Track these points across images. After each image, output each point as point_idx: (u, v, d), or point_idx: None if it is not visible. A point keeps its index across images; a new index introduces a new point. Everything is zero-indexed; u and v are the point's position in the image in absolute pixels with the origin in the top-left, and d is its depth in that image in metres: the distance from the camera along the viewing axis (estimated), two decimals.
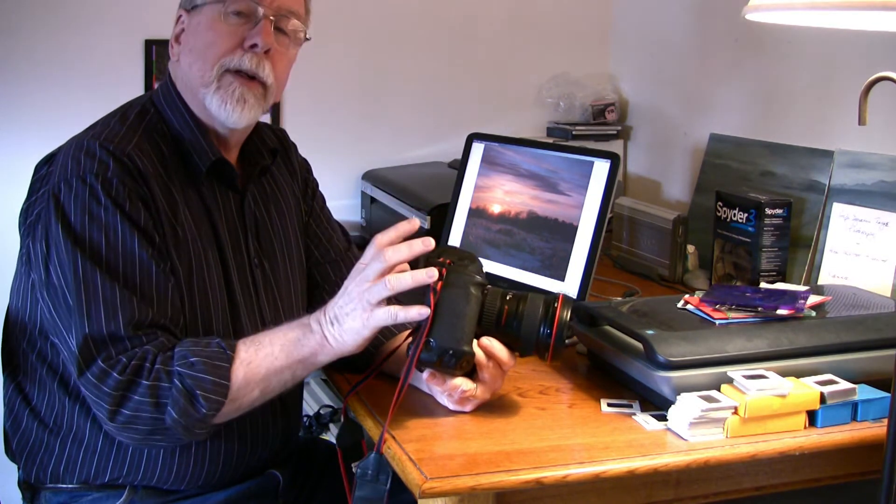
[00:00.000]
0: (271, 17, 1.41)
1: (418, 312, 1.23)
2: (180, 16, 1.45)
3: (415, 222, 1.28)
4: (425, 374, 1.29)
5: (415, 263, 1.29)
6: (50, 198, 1.31)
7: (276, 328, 1.30)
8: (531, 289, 1.75)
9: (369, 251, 1.27)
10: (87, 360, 1.24)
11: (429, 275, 1.24)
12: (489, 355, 1.29)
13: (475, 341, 1.27)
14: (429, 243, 1.26)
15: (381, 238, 1.27)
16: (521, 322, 1.28)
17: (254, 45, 1.39)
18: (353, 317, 1.25)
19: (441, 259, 1.28)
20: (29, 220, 1.36)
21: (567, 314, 1.28)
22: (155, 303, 1.29)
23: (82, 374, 1.24)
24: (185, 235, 1.37)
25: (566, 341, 1.29)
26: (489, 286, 1.30)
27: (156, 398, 1.23)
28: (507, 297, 1.30)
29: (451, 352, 1.24)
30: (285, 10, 1.43)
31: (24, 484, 1.46)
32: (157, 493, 1.39)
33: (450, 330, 1.25)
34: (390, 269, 1.24)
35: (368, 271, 1.25)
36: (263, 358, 1.27)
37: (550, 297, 1.30)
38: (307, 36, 1.48)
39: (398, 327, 1.51)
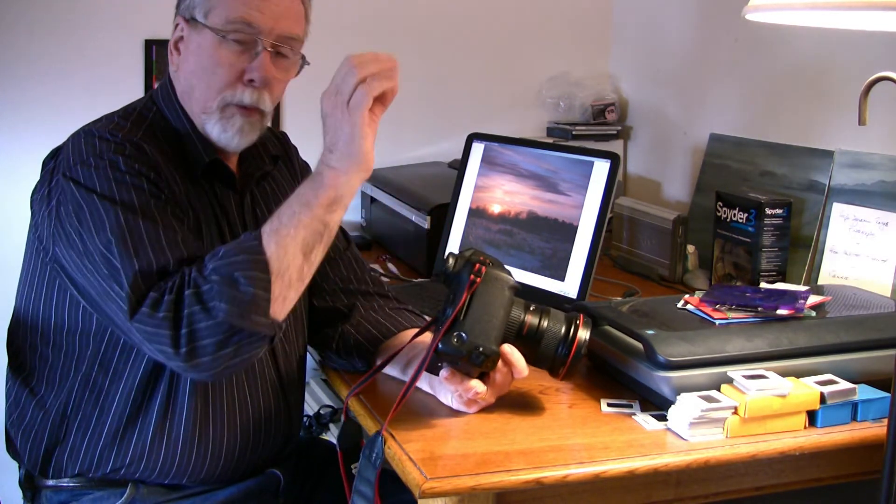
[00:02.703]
0: (269, 49, 1.40)
1: (383, 84, 1.19)
2: (178, 23, 1.44)
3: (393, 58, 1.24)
4: (443, 373, 1.29)
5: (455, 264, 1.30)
6: (69, 182, 1.30)
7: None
8: (533, 291, 1.75)
9: (341, 69, 1.23)
10: (139, 297, 1.21)
11: (389, 58, 1.21)
12: (507, 362, 1.29)
13: None
14: (393, 59, 1.23)
15: (353, 56, 1.23)
16: (541, 337, 1.29)
17: (252, 80, 1.39)
18: (340, 126, 1.21)
19: (480, 258, 1.29)
20: (47, 208, 1.34)
21: (586, 336, 1.29)
22: (195, 246, 1.29)
23: (136, 311, 1.21)
24: (198, 223, 1.38)
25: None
26: (517, 293, 1.31)
27: (201, 302, 1.19)
28: (531, 309, 1.31)
29: (480, 349, 1.24)
30: (285, 37, 1.42)
31: (24, 483, 1.46)
32: (158, 491, 1.40)
33: (483, 327, 1.25)
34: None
35: (336, 79, 1.21)
36: (288, 220, 1.23)
37: (572, 316, 1.31)
38: (306, 61, 1.47)
39: (398, 326, 1.52)
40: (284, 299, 1.23)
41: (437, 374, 1.30)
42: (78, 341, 1.37)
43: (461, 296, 1.25)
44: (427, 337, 1.33)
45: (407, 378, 1.30)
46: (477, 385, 1.29)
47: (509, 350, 1.29)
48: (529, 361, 1.30)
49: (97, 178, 1.29)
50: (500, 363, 1.29)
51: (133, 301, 1.21)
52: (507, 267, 1.33)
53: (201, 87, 1.41)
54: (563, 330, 1.29)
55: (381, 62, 1.22)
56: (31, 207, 1.40)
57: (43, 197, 1.37)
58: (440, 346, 1.24)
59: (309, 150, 1.74)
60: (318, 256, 1.26)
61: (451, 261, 1.30)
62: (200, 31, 1.40)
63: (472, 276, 1.27)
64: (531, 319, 1.30)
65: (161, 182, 1.32)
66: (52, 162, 1.38)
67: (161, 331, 1.19)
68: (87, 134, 1.34)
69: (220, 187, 1.46)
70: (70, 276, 1.34)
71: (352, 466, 1.26)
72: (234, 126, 1.41)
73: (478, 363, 1.25)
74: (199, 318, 1.18)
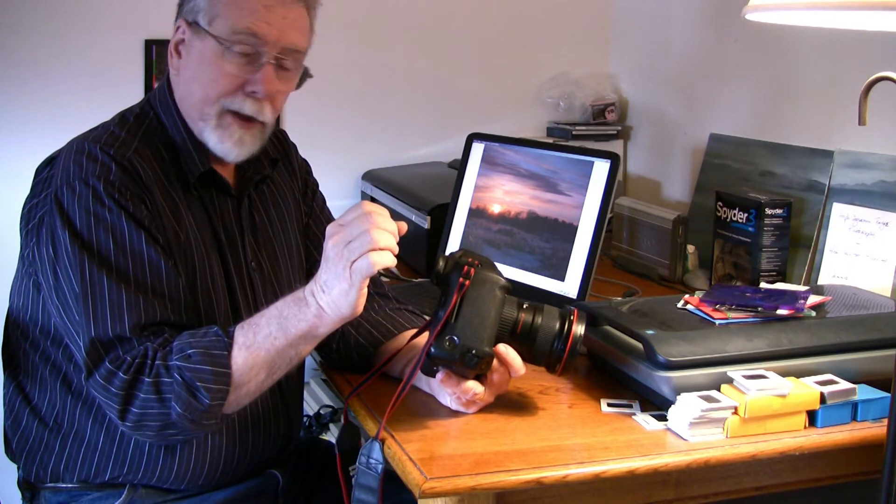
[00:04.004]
0: (272, 61, 1.38)
1: (390, 259, 1.20)
2: (180, 25, 1.41)
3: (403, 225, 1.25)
4: (439, 376, 1.29)
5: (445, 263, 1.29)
6: (53, 202, 1.31)
7: (272, 305, 1.27)
8: (533, 291, 1.75)
9: (352, 212, 1.22)
10: (94, 363, 1.25)
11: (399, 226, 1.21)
12: (502, 361, 1.29)
13: None
14: (403, 227, 1.23)
15: (368, 204, 1.23)
16: (536, 334, 1.29)
17: (255, 91, 1.38)
18: (339, 278, 1.20)
19: (469, 259, 1.28)
20: (32, 223, 1.36)
21: (581, 330, 1.29)
22: (167, 299, 1.30)
23: (91, 375, 1.25)
24: (187, 239, 1.37)
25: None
26: (508, 292, 1.30)
27: (160, 393, 1.23)
28: (524, 307, 1.30)
29: (473, 351, 1.24)
30: (289, 49, 1.40)
31: (23, 483, 1.46)
32: (156, 493, 1.40)
33: (475, 329, 1.25)
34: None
35: (352, 230, 1.20)
36: (263, 340, 1.25)
37: (565, 311, 1.31)
38: (309, 73, 1.46)
39: (398, 327, 1.52)
40: (237, 405, 1.28)
41: (434, 377, 1.30)
42: (63, 352, 1.37)
43: (451, 299, 1.25)
44: (425, 337, 1.33)
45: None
46: (474, 386, 1.29)
47: (504, 349, 1.29)
48: (526, 359, 1.30)
49: (78, 208, 1.29)
50: (496, 362, 1.29)
51: (89, 366, 1.25)
52: (501, 266, 1.33)
53: (199, 94, 1.39)
54: (558, 326, 1.29)
55: (393, 235, 1.21)
56: (21, 215, 1.40)
57: (32, 208, 1.37)
58: (432, 350, 1.24)
59: (309, 148, 1.74)
60: (280, 375, 1.29)
61: (441, 263, 1.30)
62: (203, 38, 1.38)
63: (461, 279, 1.27)
64: (525, 317, 1.29)
65: (143, 211, 1.31)
66: (46, 172, 1.38)
67: (111, 402, 1.25)
68: (78, 149, 1.33)
69: (217, 193, 1.46)
70: (44, 296, 1.36)
71: (349, 469, 1.26)
72: (231, 137, 1.39)
73: (471, 366, 1.25)
74: (152, 406, 1.24)
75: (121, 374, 1.23)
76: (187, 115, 1.42)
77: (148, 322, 1.27)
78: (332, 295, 1.22)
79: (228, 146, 1.40)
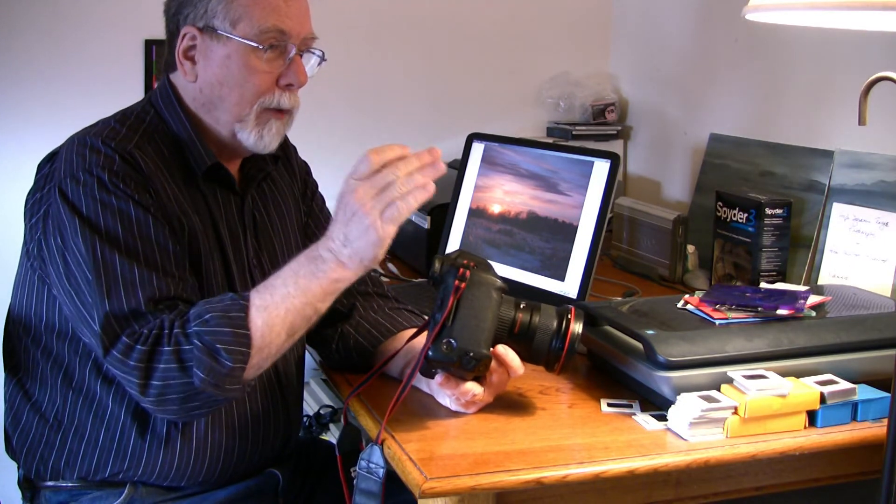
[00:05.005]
0: (300, 52, 1.42)
1: (424, 193, 1.20)
2: (187, 32, 1.41)
3: (435, 152, 1.24)
4: (437, 378, 1.29)
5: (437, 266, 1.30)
6: (57, 193, 1.31)
7: (285, 266, 1.27)
8: (533, 291, 1.75)
9: (364, 164, 1.21)
10: (111, 338, 1.24)
11: (432, 154, 1.22)
12: (501, 362, 1.29)
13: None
14: (436, 153, 1.24)
15: (376, 153, 1.22)
16: (534, 333, 1.29)
17: (290, 85, 1.41)
18: (367, 229, 1.20)
19: (465, 262, 1.28)
20: (36, 216, 1.36)
21: (579, 328, 1.29)
22: (177, 277, 1.30)
23: (108, 352, 1.24)
24: (193, 231, 1.38)
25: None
26: (505, 293, 1.30)
27: (180, 362, 1.22)
28: (521, 306, 1.30)
29: (470, 354, 1.24)
30: (309, 38, 1.45)
31: (23, 482, 1.46)
32: (157, 492, 1.40)
33: (471, 332, 1.25)
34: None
35: (377, 180, 1.20)
36: (281, 300, 1.24)
37: (563, 310, 1.31)
38: (325, 57, 1.49)
39: (397, 326, 1.52)
40: (259, 368, 1.26)
41: (433, 379, 1.30)
42: (68, 346, 1.37)
43: (448, 302, 1.25)
44: (424, 338, 1.33)
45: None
46: (473, 388, 1.29)
47: (503, 350, 1.29)
48: (524, 359, 1.30)
49: (83, 196, 1.29)
50: (494, 363, 1.29)
51: (105, 342, 1.24)
52: (501, 266, 1.33)
53: (233, 97, 1.40)
54: (556, 324, 1.29)
55: (425, 170, 1.22)
56: (24, 211, 1.40)
57: (35, 202, 1.37)
58: (430, 353, 1.25)
59: (308, 148, 1.74)
60: (299, 335, 1.28)
61: (436, 265, 1.30)
62: (226, 42, 1.38)
63: (457, 282, 1.27)
64: (522, 316, 1.29)
65: (148, 199, 1.32)
66: (47, 167, 1.38)
67: (131, 377, 1.23)
68: (80, 143, 1.34)
69: (221, 190, 1.46)
70: (53, 288, 1.35)
71: (350, 470, 1.26)
72: (270, 131, 1.42)
73: (469, 368, 1.25)
74: (174, 376, 1.22)
75: (139, 346, 1.22)
76: (214, 119, 1.42)
77: (162, 296, 1.27)
78: (356, 246, 1.22)
79: (268, 140, 1.43)
